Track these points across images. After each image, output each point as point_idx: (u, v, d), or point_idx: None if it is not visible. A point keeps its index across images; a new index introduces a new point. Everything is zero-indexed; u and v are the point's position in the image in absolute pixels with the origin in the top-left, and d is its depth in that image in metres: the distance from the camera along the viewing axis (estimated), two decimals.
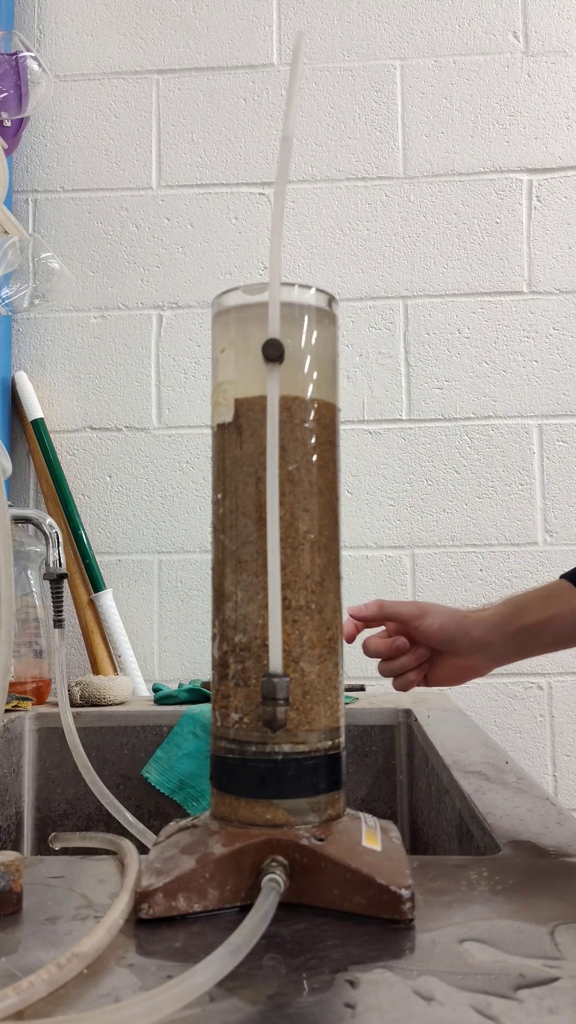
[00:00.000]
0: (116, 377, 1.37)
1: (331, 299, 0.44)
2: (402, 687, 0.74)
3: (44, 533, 0.99)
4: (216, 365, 0.44)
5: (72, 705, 1.06)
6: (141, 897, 0.37)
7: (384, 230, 1.38)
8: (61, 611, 0.90)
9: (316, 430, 0.42)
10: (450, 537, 1.32)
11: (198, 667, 1.33)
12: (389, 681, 0.75)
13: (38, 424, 1.34)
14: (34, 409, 1.34)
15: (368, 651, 0.74)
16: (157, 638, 1.34)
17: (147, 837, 0.65)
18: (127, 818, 0.66)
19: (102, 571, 1.33)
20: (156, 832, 0.48)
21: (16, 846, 1.00)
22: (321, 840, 0.38)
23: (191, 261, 1.38)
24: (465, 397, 1.33)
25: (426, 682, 0.75)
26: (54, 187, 1.40)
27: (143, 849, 0.47)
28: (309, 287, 0.43)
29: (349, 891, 0.37)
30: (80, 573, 1.32)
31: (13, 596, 0.51)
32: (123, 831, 0.62)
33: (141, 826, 0.66)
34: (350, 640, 0.71)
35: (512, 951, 0.33)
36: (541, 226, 1.35)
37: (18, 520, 1.05)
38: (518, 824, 0.51)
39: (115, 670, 1.29)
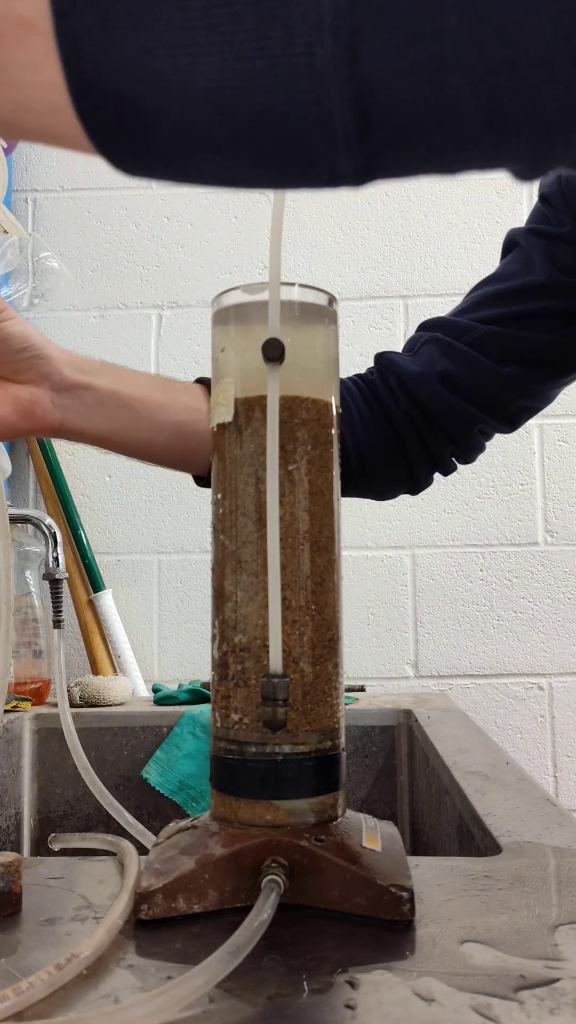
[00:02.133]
0: None
1: (331, 298, 0.44)
2: None
3: (43, 533, 0.99)
4: (216, 365, 0.44)
5: (71, 706, 1.05)
6: (141, 898, 0.37)
7: (384, 230, 1.38)
8: (60, 611, 0.90)
9: (316, 430, 0.42)
10: (450, 537, 1.32)
11: (198, 667, 1.33)
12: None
13: None
14: None
15: None
16: (157, 638, 1.34)
17: (147, 838, 0.64)
18: (127, 819, 0.66)
19: (101, 571, 1.33)
20: (156, 833, 0.48)
21: (16, 847, 1.00)
22: (321, 841, 0.38)
23: (191, 261, 1.38)
24: None
25: None
26: (53, 186, 1.40)
27: (143, 850, 0.47)
28: (309, 286, 0.43)
29: (349, 892, 0.37)
30: (79, 573, 1.32)
31: (12, 596, 0.51)
32: (123, 832, 0.62)
33: (141, 827, 0.66)
34: None
35: (512, 952, 0.33)
36: None
37: (17, 520, 1.05)
38: (518, 825, 0.51)
39: (115, 670, 1.29)
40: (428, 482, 0.76)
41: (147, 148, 0.25)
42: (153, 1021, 0.28)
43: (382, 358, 0.75)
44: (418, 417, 0.71)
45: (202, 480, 0.69)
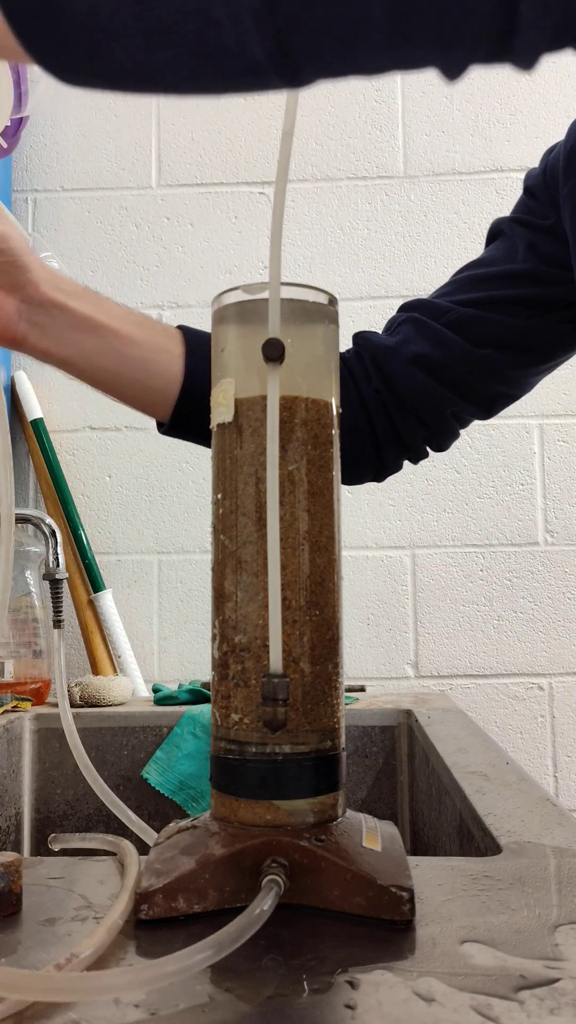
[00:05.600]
0: None
1: (331, 298, 0.44)
2: None
3: (43, 533, 0.99)
4: (216, 365, 0.44)
5: (71, 706, 1.05)
6: (141, 898, 0.37)
7: (384, 229, 1.37)
8: (61, 611, 0.90)
9: (316, 430, 0.42)
10: (450, 537, 1.32)
11: (198, 667, 1.33)
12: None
13: (37, 424, 1.34)
14: (33, 409, 1.34)
15: None
16: (157, 638, 1.34)
17: (148, 835, 0.64)
18: (129, 816, 0.66)
19: (102, 571, 1.33)
20: (156, 832, 0.48)
21: (16, 847, 1.00)
22: (321, 841, 0.38)
23: (191, 260, 1.38)
24: None
25: None
26: (54, 186, 1.40)
27: (145, 847, 0.47)
28: (309, 286, 0.43)
29: (349, 892, 0.37)
30: (80, 573, 1.32)
31: (12, 506, 0.49)
32: (123, 832, 0.62)
33: (143, 824, 0.66)
34: None
35: (512, 952, 0.33)
36: None
37: (17, 520, 1.05)
38: (519, 825, 0.51)
39: (115, 671, 1.29)
40: (396, 467, 0.75)
41: (66, 37, 0.25)
42: (126, 992, 0.28)
43: (359, 337, 0.74)
44: (388, 396, 0.71)
45: (163, 426, 0.68)
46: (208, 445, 0.71)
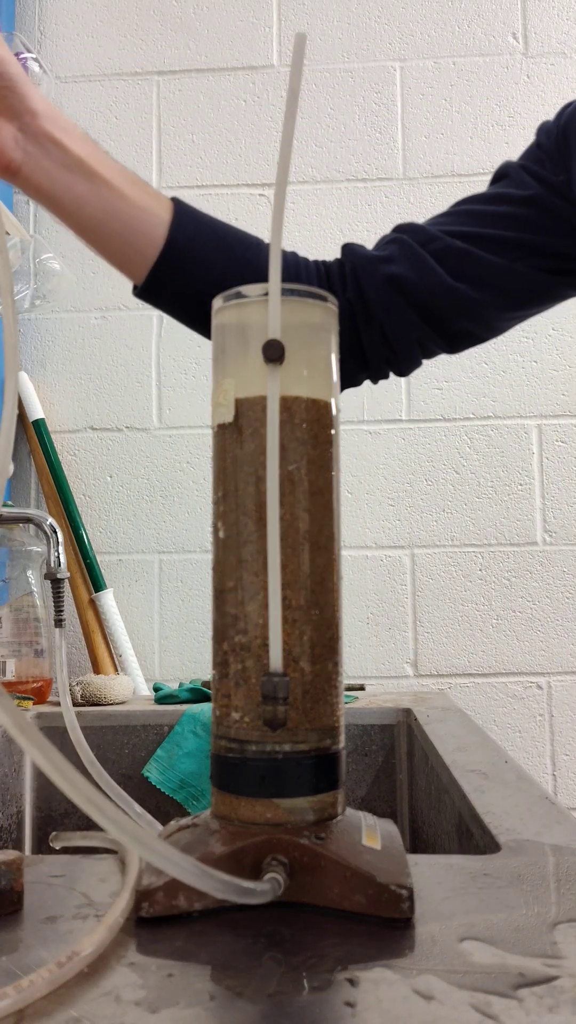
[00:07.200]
0: (117, 377, 1.38)
1: (331, 299, 0.44)
2: None
3: (45, 533, 0.99)
4: (216, 365, 0.44)
5: (73, 704, 1.06)
6: (142, 896, 0.37)
7: (383, 231, 1.37)
8: (62, 611, 0.90)
9: (316, 430, 0.42)
10: (450, 537, 1.32)
11: (199, 666, 1.33)
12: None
13: (39, 424, 1.34)
14: (35, 409, 1.34)
15: None
16: (158, 637, 1.34)
17: (154, 828, 0.65)
18: (135, 809, 0.66)
19: (103, 571, 1.33)
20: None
21: (17, 845, 1.00)
22: (321, 839, 0.38)
23: None
24: (465, 397, 1.33)
25: None
26: None
27: None
28: (309, 287, 0.43)
29: (349, 890, 0.37)
30: (81, 573, 1.32)
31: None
32: None
33: (149, 817, 0.66)
34: None
35: (511, 950, 0.33)
36: None
37: (19, 520, 1.05)
38: (517, 823, 0.51)
39: (116, 670, 1.29)
40: (354, 382, 0.75)
41: None
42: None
43: (347, 247, 0.75)
44: (360, 308, 0.71)
45: (137, 289, 0.69)
46: (178, 318, 0.72)
